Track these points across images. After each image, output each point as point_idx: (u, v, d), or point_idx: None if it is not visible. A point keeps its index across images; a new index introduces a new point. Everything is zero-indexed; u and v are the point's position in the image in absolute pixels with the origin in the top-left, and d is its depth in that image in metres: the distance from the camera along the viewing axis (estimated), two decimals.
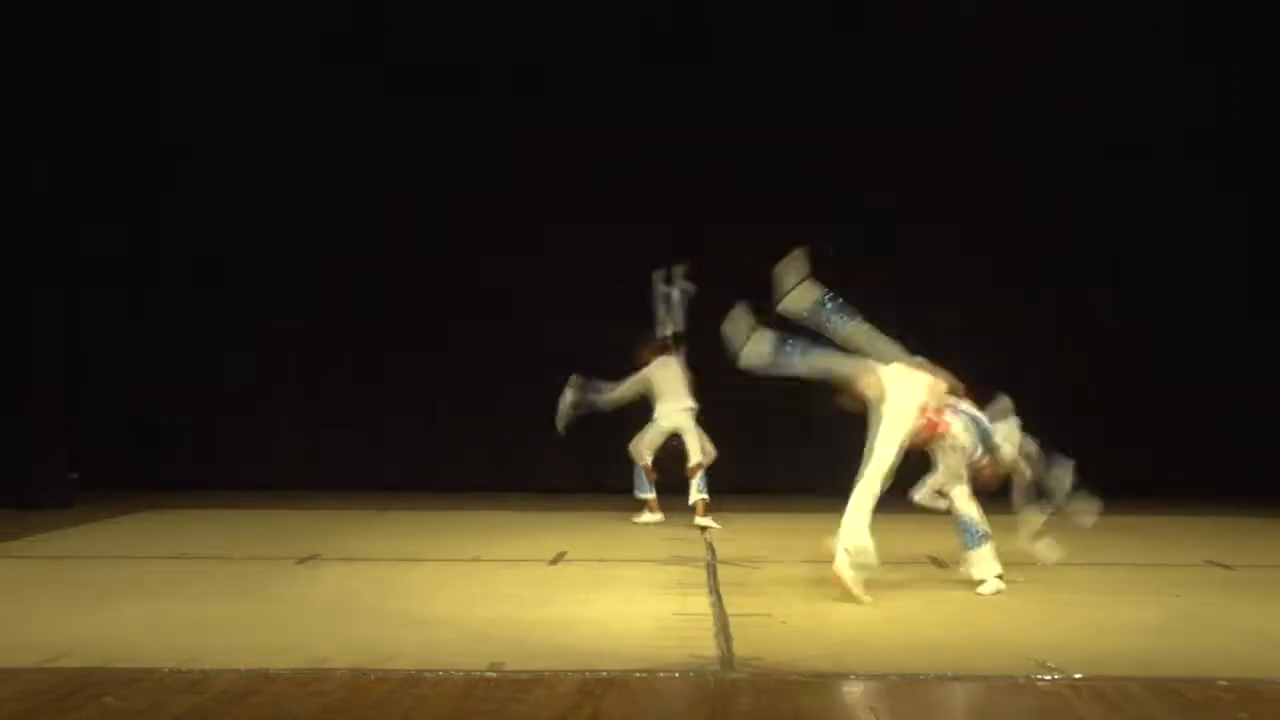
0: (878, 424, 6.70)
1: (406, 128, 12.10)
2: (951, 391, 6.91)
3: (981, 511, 7.01)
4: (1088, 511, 7.00)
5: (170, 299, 12.42)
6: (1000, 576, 6.92)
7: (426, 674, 5.07)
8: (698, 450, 10.03)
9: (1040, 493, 6.98)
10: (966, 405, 6.97)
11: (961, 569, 7.09)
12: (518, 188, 12.01)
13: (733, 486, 11.08)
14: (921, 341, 7.07)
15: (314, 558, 8.03)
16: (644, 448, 10.13)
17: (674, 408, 10.05)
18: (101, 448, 11.64)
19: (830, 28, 11.90)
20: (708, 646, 5.60)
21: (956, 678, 5.07)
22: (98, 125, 11.77)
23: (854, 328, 6.82)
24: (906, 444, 6.74)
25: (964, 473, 6.93)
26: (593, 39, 11.92)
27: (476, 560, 8.03)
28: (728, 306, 6.88)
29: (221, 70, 11.96)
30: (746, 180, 12.08)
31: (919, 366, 6.87)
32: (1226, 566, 7.99)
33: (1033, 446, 6.98)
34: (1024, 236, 12.07)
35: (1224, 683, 4.95)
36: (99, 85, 11.72)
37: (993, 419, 6.98)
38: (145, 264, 12.40)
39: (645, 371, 10.12)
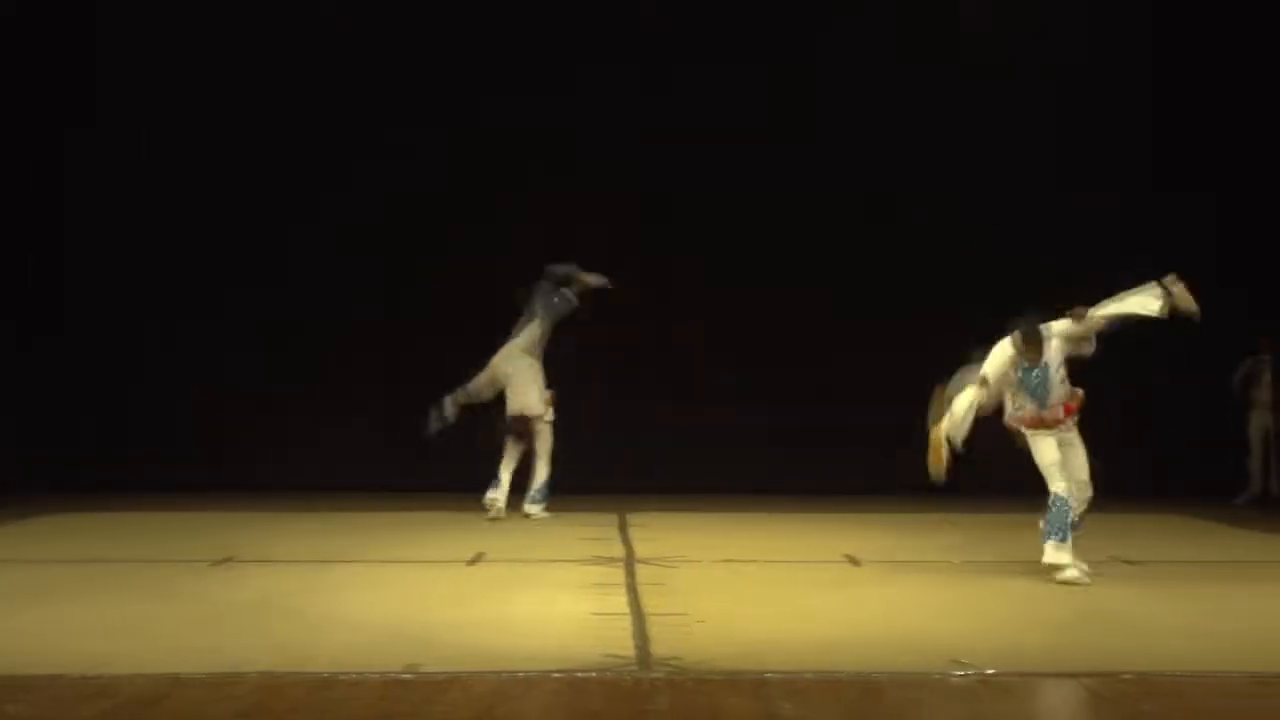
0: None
1: (413, 127, 12.02)
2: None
3: None
4: None
5: (82, 297, 12.21)
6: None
7: (342, 676, 5.01)
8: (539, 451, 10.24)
9: None
10: None
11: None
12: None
13: (653, 486, 11.13)
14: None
15: (229, 560, 7.91)
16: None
17: (520, 403, 10.15)
18: (9, 448, 11.40)
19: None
20: (625, 646, 5.59)
21: (872, 675, 5.12)
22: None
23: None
24: None
25: None
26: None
27: (395, 561, 7.97)
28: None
29: (223, 70, 11.80)
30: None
31: None
32: (1131, 562, 8.17)
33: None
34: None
35: (1129, 676, 5.05)
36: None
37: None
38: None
39: (493, 364, 10.25)
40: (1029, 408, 7.31)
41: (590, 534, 9.42)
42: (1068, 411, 7.31)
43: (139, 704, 4.64)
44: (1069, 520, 7.22)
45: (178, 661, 5.17)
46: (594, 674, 5.08)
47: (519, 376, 10.24)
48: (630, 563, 8.05)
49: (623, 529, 9.67)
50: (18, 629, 5.74)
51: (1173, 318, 7.22)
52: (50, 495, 10.94)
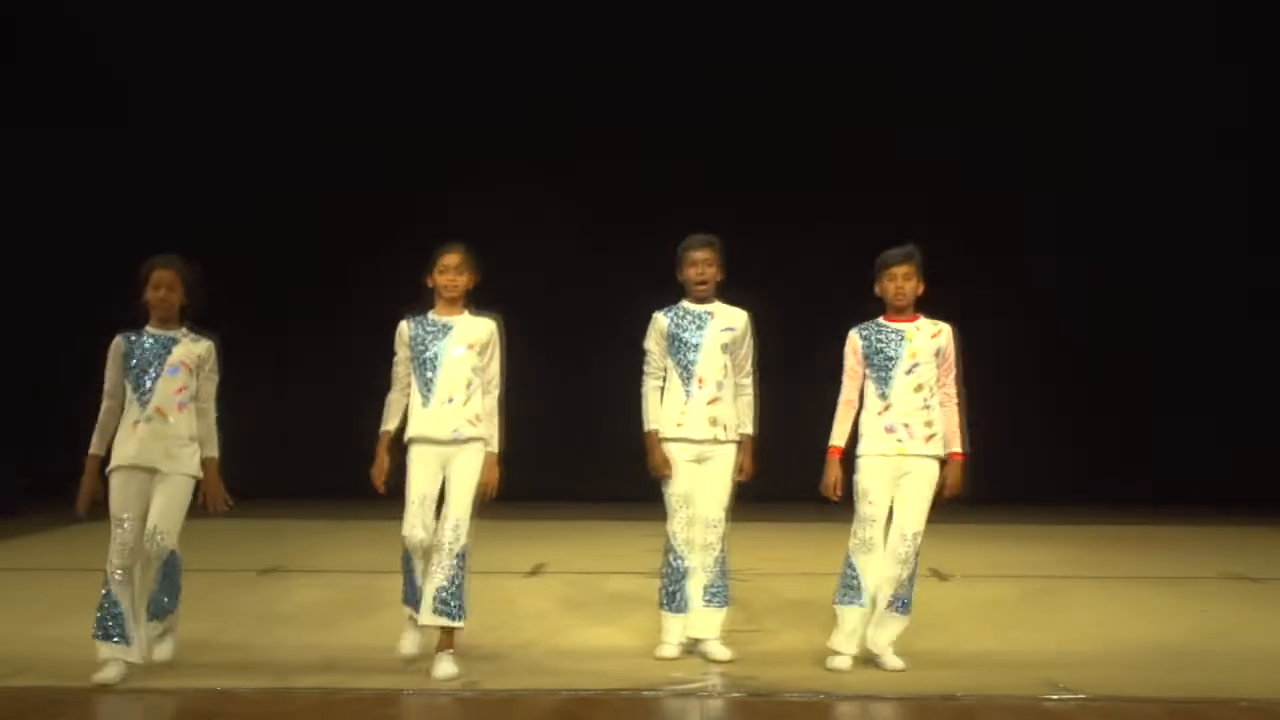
0: None
1: (423, 127, 12.11)
2: None
3: None
4: None
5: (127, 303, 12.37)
6: None
7: (399, 693, 5.05)
8: None
9: None
10: None
11: None
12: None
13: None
14: None
15: (276, 569, 8.00)
16: None
17: None
18: (53, 453, 11.57)
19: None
20: (695, 664, 5.59)
21: (962, 697, 5.07)
22: None
23: None
24: None
25: None
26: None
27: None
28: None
29: (227, 66, 11.93)
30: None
31: None
32: (1247, 579, 8.00)
33: None
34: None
35: (1245, 704, 4.96)
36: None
37: None
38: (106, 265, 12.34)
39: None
40: None
41: (655, 545, 9.37)
42: None
43: (190, 717, 4.71)
44: None
45: (228, 676, 5.24)
46: (662, 693, 5.08)
47: None
48: None
49: None
50: (65, 639, 5.84)
51: None
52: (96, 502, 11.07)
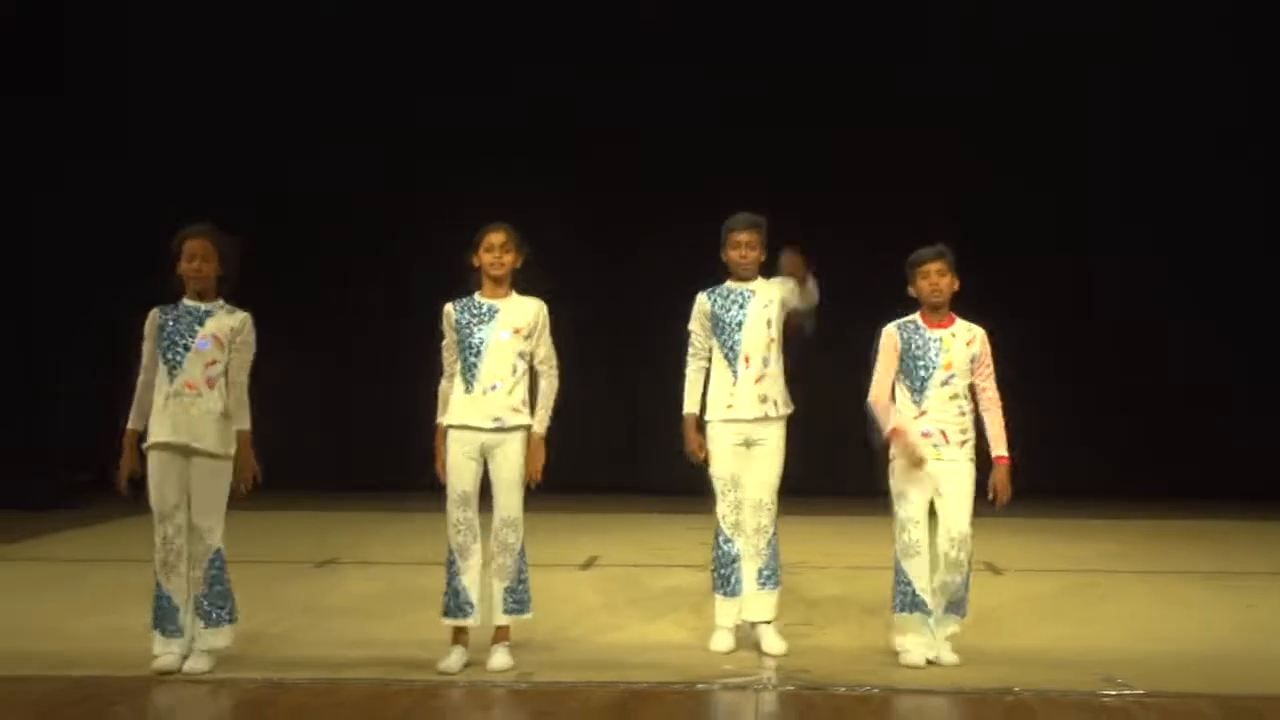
0: None
1: (435, 124, 12.14)
2: None
3: None
4: None
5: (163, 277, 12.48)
6: None
7: (452, 684, 5.09)
8: None
9: None
10: None
11: None
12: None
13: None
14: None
15: (332, 561, 8.08)
16: None
17: None
18: (107, 445, 11.70)
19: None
20: (749, 658, 5.59)
21: (1016, 692, 5.04)
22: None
23: None
24: None
25: None
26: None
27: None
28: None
29: (236, 64, 12.01)
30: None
31: None
32: None
33: None
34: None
35: None
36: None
37: None
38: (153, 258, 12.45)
39: None
40: None
41: (707, 538, 9.38)
42: None
43: (244, 708, 4.77)
44: None
45: (282, 667, 5.30)
46: (716, 686, 5.09)
47: None
48: None
49: None
50: (123, 630, 5.93)
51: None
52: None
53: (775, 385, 5.82)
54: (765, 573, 5.78)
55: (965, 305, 5.77)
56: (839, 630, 6.22)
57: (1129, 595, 7.25)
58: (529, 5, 12.00)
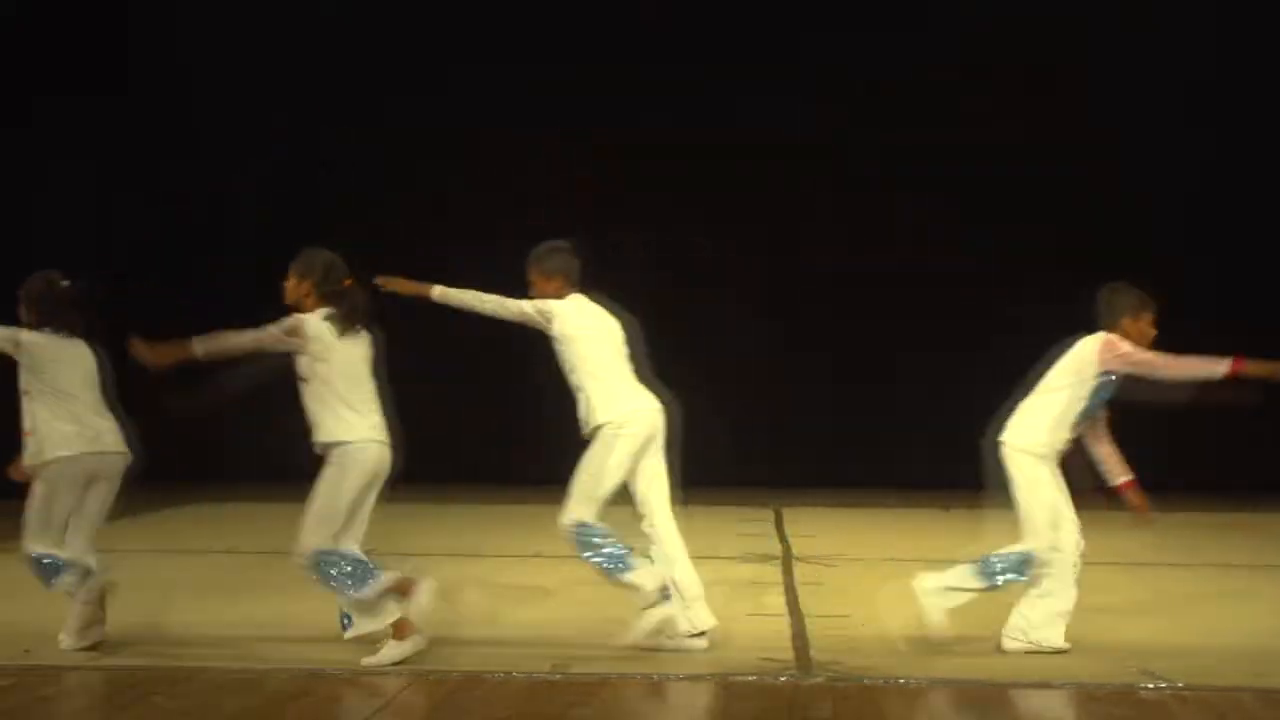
0: None
1: (449, 122, 12.20)
2: None
3: None
4: None
5: (214, 282, 12.62)
6: None
7: (486, 675, 5.13)
8: None
9: None
10: None
11: None
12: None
13: (812, 479, 11.08)
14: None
15: (369, 553, 8.11)
16: None
17: None
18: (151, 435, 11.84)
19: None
20: (783, 649, 5.61)
21: (1051, 685, 5.03)
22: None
23: None
24: None
25: None
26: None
27: (538, 556, 8.09)
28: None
29: (247, 62, 12.10)
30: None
31: None
32: None
33: None
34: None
35: None
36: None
37: None
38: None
39: None
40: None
41: (745, 530, 9.42)
42: None
43: (282, 698, 4.82)
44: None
45: (319, 656, 5.35)
46: (751, 678, 5.10)
47: None
48: (788, 561, 8.03)
49: (779, 525, 9.64)
50: (161, 621, 6.00)
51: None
52: (195, 485, 11.29)
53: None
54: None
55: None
56: (874, 623, 6.20)
57: (1167, 588, 7.22)
58: (532, 6, 12.07)
